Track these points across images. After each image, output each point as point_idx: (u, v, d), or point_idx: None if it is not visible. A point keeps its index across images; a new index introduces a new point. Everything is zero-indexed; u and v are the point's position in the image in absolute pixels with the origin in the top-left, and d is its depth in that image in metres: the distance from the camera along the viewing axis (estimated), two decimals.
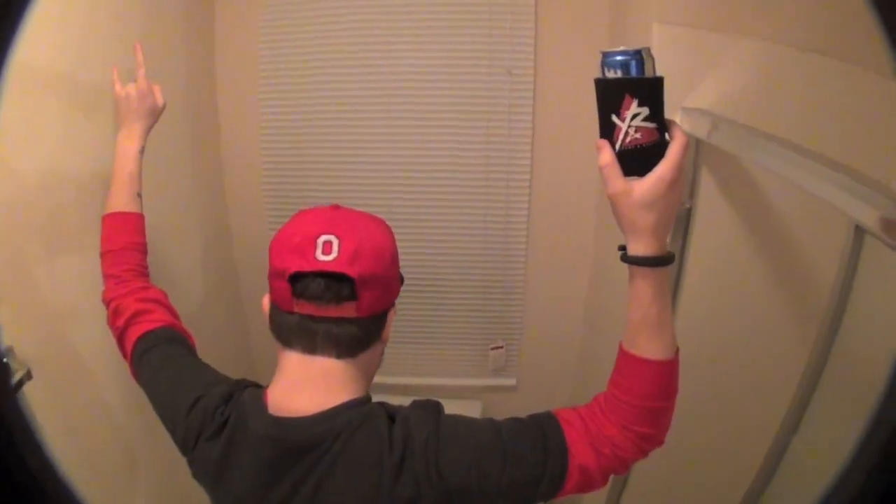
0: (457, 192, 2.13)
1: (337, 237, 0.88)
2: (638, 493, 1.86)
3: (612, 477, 0.92)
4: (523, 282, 2.25)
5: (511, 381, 2.38)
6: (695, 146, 1.41)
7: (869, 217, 0.78)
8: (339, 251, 0.87)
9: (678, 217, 1.47)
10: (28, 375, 1.10)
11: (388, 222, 0.99)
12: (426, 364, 2.34)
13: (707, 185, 1.44)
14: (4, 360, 1.06)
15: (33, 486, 0.63)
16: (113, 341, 1.19)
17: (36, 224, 1.24)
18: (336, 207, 0.96)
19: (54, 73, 1.22)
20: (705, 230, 1.46)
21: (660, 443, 0.90)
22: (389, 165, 2.10)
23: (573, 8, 1.92)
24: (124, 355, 1.13)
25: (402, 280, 1.01)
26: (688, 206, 1.47)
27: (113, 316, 1.16)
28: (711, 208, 1.43)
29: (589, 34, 1.89)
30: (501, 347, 2.31)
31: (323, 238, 0.87)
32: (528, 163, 2.07)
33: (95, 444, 1.41)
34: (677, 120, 1.34)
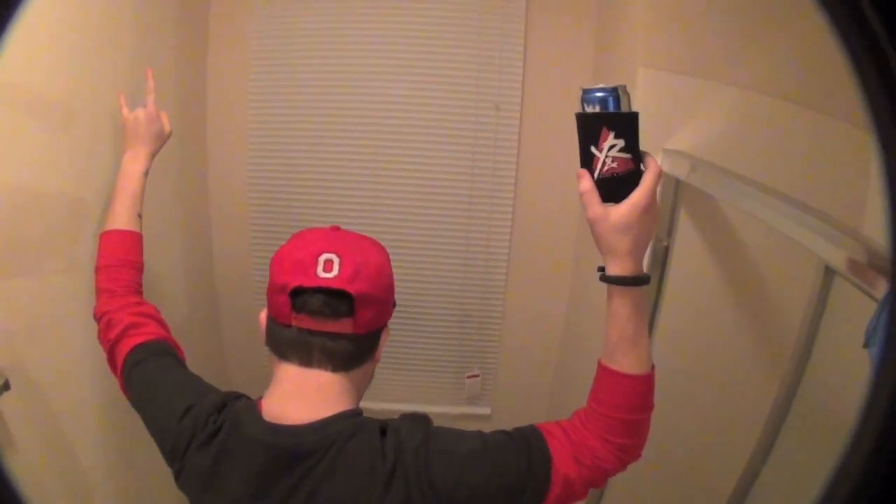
0: (440, 220, 2.16)
1: (338, 256, 0.91)
2: None
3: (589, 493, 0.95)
4: (501, 310, 2.27)
5: (486, 410, 2.38)
6: (674, 187, 1.46)
7: (837, 257, 0.83)
8: (339, 269, 0.90)
9: (657, 253, 1.52)
10: (6, 386, 1.10)
11: None
12: (401, 390, 2.34)
13: (684, 224, 1.49)
14: None
15: None
16: (94, 355, 1.20)
17: (21, 237, 1.24)
18: (337, 228, 1.00)
19: (33, 91, 1.23)
20: (682, 266, 1.51)
21: (637, 455, 0.93)
22: (375, 191, 2.13)
23: (560, 49, 1.98)
24: (114, 367, 1.13)
25: (394, 304, 1.04)
26: (665, 243, 1.53)
27: (105, 329, 1.16)
28: (688, 245, 1.48)
29: (574, 74, 1.95)
30: (477, 376, 2.33)
31: (325, 256, 0.91)
32: (511, 194, 2.11)
33: (70, 456, 1.40)
34: (659, 159, 1.42)
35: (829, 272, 1.00)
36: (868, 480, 0.49)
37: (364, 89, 2.05)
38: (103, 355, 1.18)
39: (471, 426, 2.41)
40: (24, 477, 1.11)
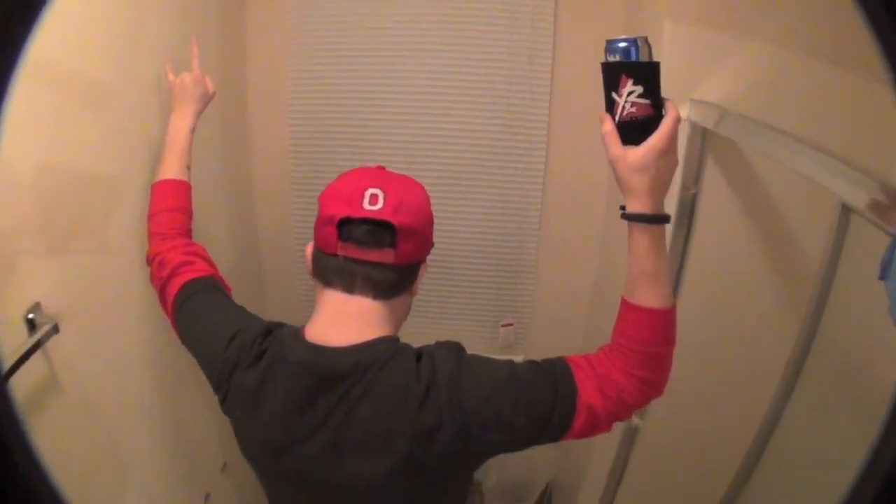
0: (475, 172, 2.22)
1: (382, 191, 0.98)
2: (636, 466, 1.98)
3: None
4: (535, 260, 2.33)
5: (519, 359, 2.46)
6: (701, 136, 1.51)
7: (852, 194, 0.90)
8: (384, 203, 0.97)
9: (684, 202, 1.59)
10: (55, 329, 1.13)
11: None
12: (437, 338, 2.42)
13: (711, 172, 1.54)
14: (31, 315, 1.11)
15: (14, 483, 0.62)
16: (141, 300, 1.33)
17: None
18: (381, 168, 1.07)
19: (64, 70, 1.26)
20: (709, 212, 1.57)
21: (660, 391, 0.99)
22: (413, 144, 2.19)
23: (591, 2, 2.02)
24: (164, 303, 1.21)
25: (433, 243, 1.11)
26: (693, 191, 1.59)
27: (158, 268, 1.23)
28: (715, 193, 1.54)
29: (605, 27, 1.98)
30: (511, 324, 2.41)
31: (370, 191, 0.98)
32: (544, 143, 2.16)
33: (118, 398, 1.48)
34: (685, 110, 1.47)
35: (845, 211, 1.06)
36: None
37: (402, 43, 2.11)
38: (153, 300, 1.27)
39: None
40: (67, 420, 1.22)
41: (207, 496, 1.94)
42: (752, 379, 1.47)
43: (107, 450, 1.42)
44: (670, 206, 1.56)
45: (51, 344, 1.14)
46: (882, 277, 0.78)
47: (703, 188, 1.56)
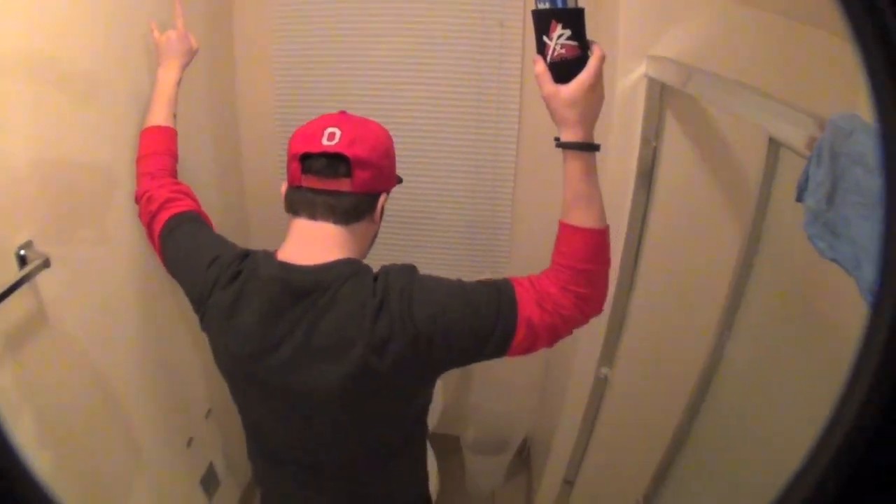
0: (450, 133, 2.28)
1: (340, 129, 1.08)
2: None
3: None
4: (510, 218, 2.39)
5: None
6: (659, 91, 1.59)
7: (783, 131, 0.97)
8: (339, 139, 1.07)
9: (645, 157, 1.66)
10: (46, 263, 1.22)
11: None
12: None
13: (670, 125, 1.62)
14: (22, 252, 1.19)
15: None
16: (130, 243, 1.46)
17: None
18: (343, 112, 1.17)
19: (48, 60, 1.32)
20: (669, 163, 1.65)
21: (598, 308, 1.09)
22: (389, 105, 2.25)
23: None
24: (152, 235, 1.32)
25: (399, 180, 1.22)
26: (654, 144, 1.66)
27: (146, 203, 1.34)
28: (673, 144, 1.62)
29: None
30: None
31: (329, 130, 1.09)
32: (516, 106, 2.23)
33: (105, 336, 1.55)
34: (643, 65, 1.54)
35: (773, 144, 1.14)
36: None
37: (379, 6, 2.17)
38: (142, 243, 1.41)
39: None
40: (53, 354, 1.30)
41: (190, 440, 2.02)
42: (704, 312, 1.55)
43: (91, 386, 1.49)
44: (632, 160, 1.65)
45: (41, 279, 1.22)
46: (799, 199, 0.85)
47: (663, 141, 1.64)
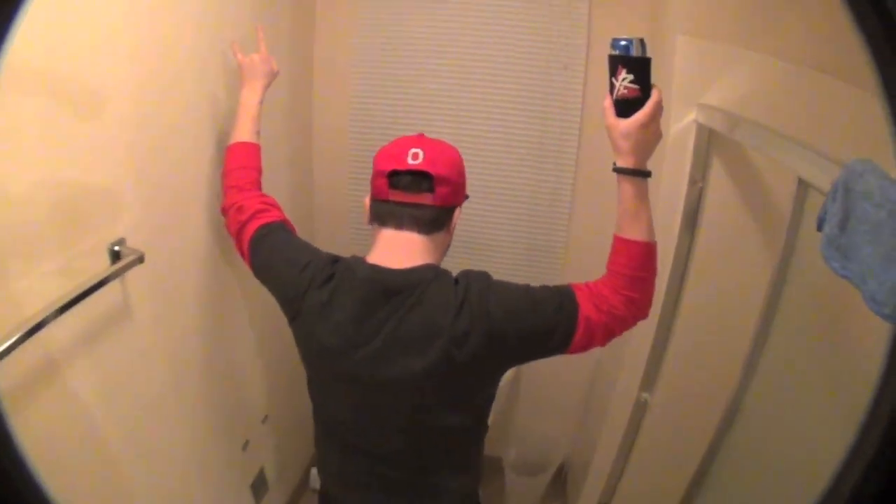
0: (514, 165, 2.46)
1: (422, 150, 1.26)
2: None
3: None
4: (564, 249, 2.54)
5: None
6: (707, 137, 1.74)
7: (811, 174, 1.11)
8: (423, 158, 1.25)
9: (691, 194, 1.81)
10: (140, 259, 1.30)
11: None
12: None
13: (716, 167, 1.77)
14: (116, 248, 1.26)
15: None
16: (207, 250, 1.58)
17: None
18: (422, 134, 1.35)
19: (153, 73, 1.39)
20: (714, 202, 1.79)
21: (645, 312, 1.25)
22: (458, 133, 2.41)
23: (619, 18, 2.25)
24: (241, 243, 1.43)
25: (466, 196, 1.38)
26: (700, 185, 1.80)
27: (236, 213, 1.46)
28: (719, 185, 1.76)
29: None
30: None
31: (412, 150, 1.26)
32: (575, 141, 2.40)
33: (179, 334, 1.63)
34: (693, 113, 1.69)
35: (802, 184, 1.28)
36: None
37: (455, 48, 2.37)
38: (217, 250, 1.57)
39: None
40: (136, 345, 1.40)
41: (246, 443, 2.08)
42: (737, 337, 1.67)
43: (161, 384, 1.56)
44: (679, 200, 1.79)
45: (130, 275, 1.31)
46: (819, 228, 1.00)
47: (708, 181, 1.79)
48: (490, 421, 2.58)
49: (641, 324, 1.30)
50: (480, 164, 2.46)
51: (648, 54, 1.14)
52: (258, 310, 2.01)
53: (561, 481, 2.92)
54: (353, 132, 2.56)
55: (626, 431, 2.19)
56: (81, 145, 1.18)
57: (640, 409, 2.13)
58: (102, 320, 1.29)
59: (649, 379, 2.06)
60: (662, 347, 2.00)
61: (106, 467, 1.34)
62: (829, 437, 1.09)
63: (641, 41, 1.14)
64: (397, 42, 2.41)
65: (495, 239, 2.58)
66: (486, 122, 2.43)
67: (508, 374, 2.51)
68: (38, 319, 1.01)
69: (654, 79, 1.15)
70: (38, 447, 0.69)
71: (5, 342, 0.93)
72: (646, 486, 2.20)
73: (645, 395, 2.09)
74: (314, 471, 2.54)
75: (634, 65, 1.13)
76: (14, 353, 0.95)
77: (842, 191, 0.93)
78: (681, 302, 1.92)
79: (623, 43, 1.14)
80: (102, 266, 1.25)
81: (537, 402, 2.87)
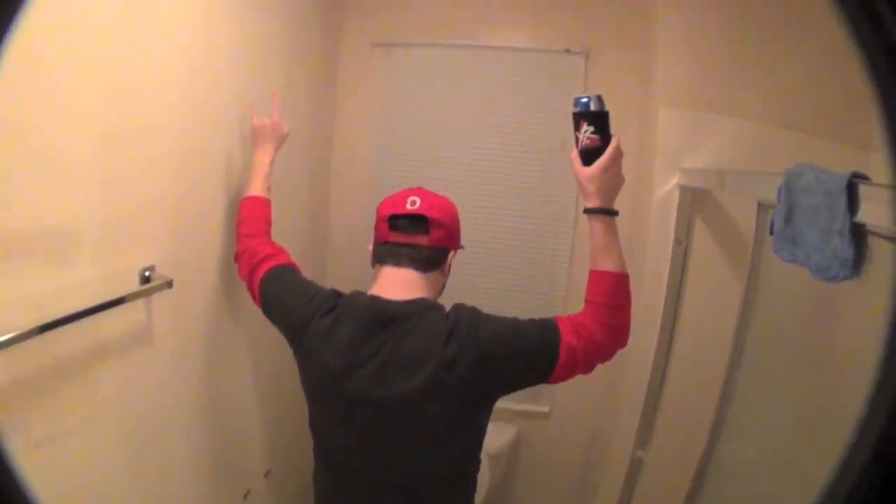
0: (515, 231, 2.66)
1: (419, 198, 1.40)
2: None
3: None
4: (563, 300, 2.64)
5: (545, 409, 2.71)
6: (690, 197, 1.91)
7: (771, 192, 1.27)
8: (419, 205, 1.38)
9: (677, 253, 1.96)
10: (169, 284, 1.39)
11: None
12: None
13: (700, 228, 1.93)
14: (147, 273, 1.35)
15: None
16: (216, 292, 1.70)
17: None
18: (420, 187, 1.47)
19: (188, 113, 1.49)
20: (699, 259, 1.94)
21: (623, 341, 1.32)
22: (463, 195, 2.46)
23: (612, 99, 2.44)
24: (252, 283, 1.53)
25: (462, 246, 1.49)
26: (684, 245, 1.96)
27: (249, 257, 1.56)
28: (702, 243, 1.92)
29: (624, 116, 2.19)
30: None
31: (411, 198, 1.40)
32: (573, 209, 2.57)
33: (188, 367, 1.66)
34: (676, 176, 1.87)
35: (762, 208, 1.44)
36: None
37: (463, 119, 2.61)
38: (224, 297, 1.67)
39: (531, 425, 2.86)
40: (158, 366, 1.48)
41: (248, 493, 2.06)
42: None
43: (176, 406, 1.59)
44: (665, 258, 1.95)
45: (155, 299, 1.40)
46: (770, 232, 1.15)
47: (692, 240, 1.95)
48: (488, 483, 2.63)
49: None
50: (484, 222, 2.64)
51: (606, 108, 1.26)
52: (266, 367, 2.08)
53: None
54: (369, 184, 2.74)
55: (623, 490, 2.22)
56: (129, 174, 1.30)
57: (636, 466, 2.17)
58: (129, 339, 1.37)
59: (643, 436, 2.13)
60: (654, 406, 2.09)
61: (107, 479, 1.35)
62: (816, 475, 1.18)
63: (599, 97, 1.25)
64: (413, 111, 2.66)
65: (491, 300, 2.59)
66: (489, 186, 2.62)
67: (505, 447, 2.58)
68: (63, 315, 1.09)
69: (613, 129, 1.27)
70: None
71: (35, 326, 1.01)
72: None
73: (640, 452, 2.14)
74: None
75: (594, 118, 1.25)
76: (42, 349, 1.04)
77: (785, 189, 1.10)
78: (669, 364, 2.04)
79: (584, 100, 1.26)
80: (132, 287, 1.34)
81: (537, 462, 2.84)
